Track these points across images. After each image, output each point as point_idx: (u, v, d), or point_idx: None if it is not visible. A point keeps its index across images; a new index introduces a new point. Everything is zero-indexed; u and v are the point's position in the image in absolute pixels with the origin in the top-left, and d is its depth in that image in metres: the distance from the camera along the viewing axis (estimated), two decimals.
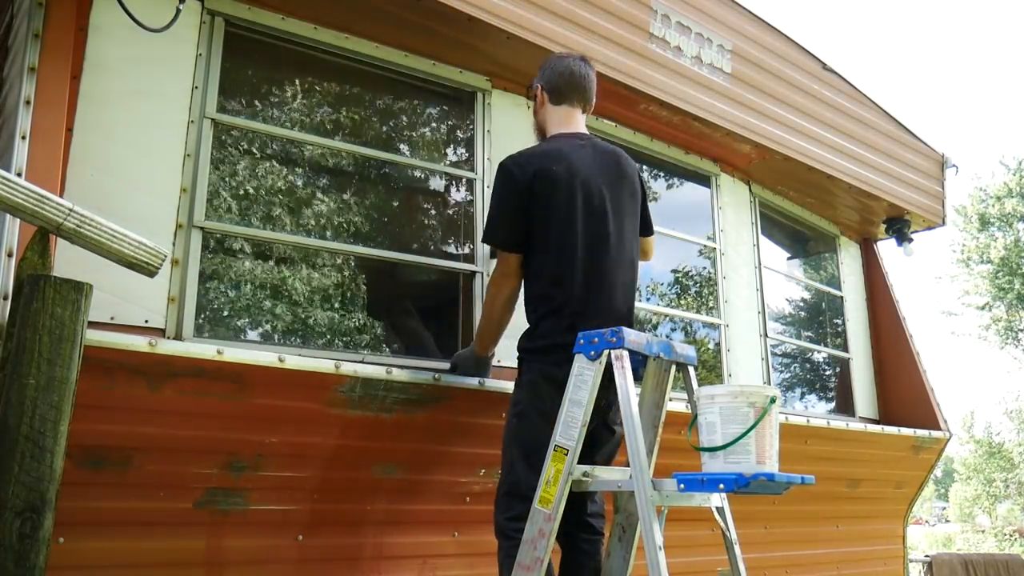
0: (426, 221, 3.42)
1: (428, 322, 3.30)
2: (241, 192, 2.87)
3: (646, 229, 2.81)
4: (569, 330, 2.41)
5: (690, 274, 4.19)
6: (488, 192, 3.28)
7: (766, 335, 4.29)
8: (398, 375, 2.59)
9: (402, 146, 3.31)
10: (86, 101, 2.44)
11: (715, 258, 4.12)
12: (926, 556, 7.97)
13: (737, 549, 2.38)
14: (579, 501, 2.42)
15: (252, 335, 2.82)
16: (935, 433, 4.59)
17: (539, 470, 2.34)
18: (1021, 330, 24.88)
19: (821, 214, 4.90)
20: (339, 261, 3.03)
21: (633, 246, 2.67)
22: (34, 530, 1.66)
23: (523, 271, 2.56)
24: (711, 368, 4.03)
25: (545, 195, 2.50)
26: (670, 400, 2.58)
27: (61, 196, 2.07)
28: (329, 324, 2.96)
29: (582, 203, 2.53)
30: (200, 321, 2.60)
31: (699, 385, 2.40)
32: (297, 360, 2.41)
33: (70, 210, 1.86)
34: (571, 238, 2.50)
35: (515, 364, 2.60)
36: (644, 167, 4.08)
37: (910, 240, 5.08)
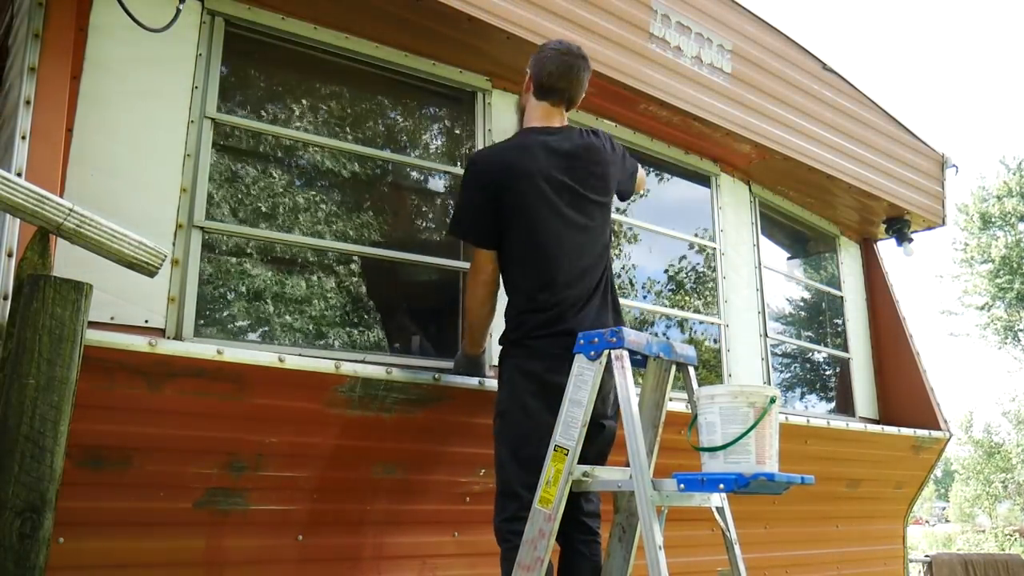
0: (427, 220, 3.42)
1: (428, 321, 3.30)
2: (241, 192, 2.87)
3: (631, 180, 2.92)
4: (545, 324, 2.46)
5: (690, 274, 4.18)
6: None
7: (766, 335, 4.29)
8: (398, 375, 2.59)
9: (402, 146, 3.30)
10: (86, 101, 2.44)
11: (715, 258, 4.12)
12: (926, 556, 7.97)
13: (737, 549, 2.38)
14: (574, 502, 2.42)
15: (252, 335, 2.82)
16: (935, 433, 4.59)
17: (528, 466, 2.35)
18: (1021, 330, 24.88)
19: (821, 214, 4.90)
20: (340, 261, 3.02)
21: (604, 232, 2.69)
22: (34, 530, 1.66)
23: (498, 266, 2.59)
24: (711, 368, 4.03)
25: (513, 190, 2.52)
26: (670, 400, 2.58)
27: (61, 196, 2.06)
28: (329, 324, 2.96)
29: (552, 196, 2.55)
30: (200, 321, 2.60)
31: (699, 385, 2.40)
32: (297, 360, 2.41)
33: (70, 210, 1.86)
34: (541, 233, 2.53)
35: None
36: (644, 167, 4.08)
37: (910, 240, 5.08)
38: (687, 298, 4.18)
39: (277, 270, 2.92)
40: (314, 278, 2.99)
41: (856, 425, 4.29)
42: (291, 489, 2.56)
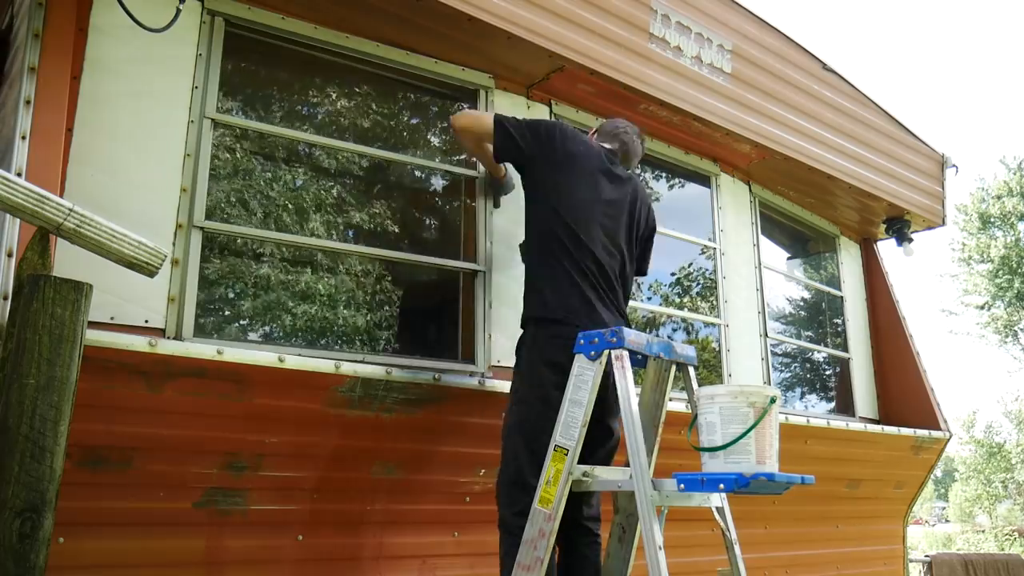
0: (428, 220, 3.42)
1: (428, 321, 3.30)
2: (241, 192, 2.87)
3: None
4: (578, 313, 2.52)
5: (690, 274, 4.18)
6: (490, 192, 3.28)
7: (766, 335, 4.29)
8: (398, 375, 2.59)
9: (404, 145, 3.30)
10: (86, 101, 2.44)
11: (715, 258, 4.12)
12: (926, 556, 7.97)
13: (737, 549, 2.38)
14: (575, 504, 2.42)
15: (253, 335, 2.82)
16: (935, 433, 4.59)
17: (542, 458, 2.35)
18: (1021, 329, 24.89)
19: (821, 214, 4.90)
20: (339, 260, 3.02)
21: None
22: (34, 530, 1.66)
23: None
24: (711, 368, 4.03)
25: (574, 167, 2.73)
26: (670, 400, 2.58)
27: (61, 196, 2.06)
28: (330, 323, 2.96)
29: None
30: (201, 321, 2.60)
31: (699, 385, 2.40)
32: (297, 360, 2.41)
33: (70, 210, 1.86)
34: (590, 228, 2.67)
35: (513, 365, 2.60)
36: (644, 167, 4.08)
37: (910, 240, 5.08)
38: (687, 298, 4.18)
39: (277, 270, 2.92)
40: (314, 277, 2.99)
41: (856, 425, 4.29)
42: (291, 489, 2.56)
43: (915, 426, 4.58)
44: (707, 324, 4.10)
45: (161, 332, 2.43)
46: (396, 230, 3.23)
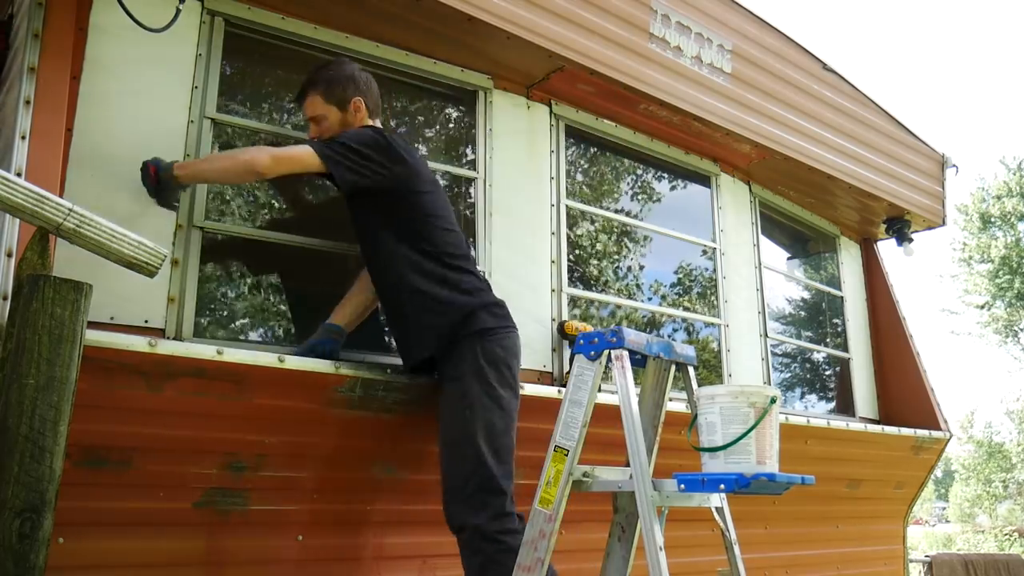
0: None
1: None
2: (242, 192, 2.88)
3: None
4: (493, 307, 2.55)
5: (690, 274, 4.18)
6: (491, 191, 3.28)
7: (766, 335, 4.29)
8: (398, 375, 2.59)
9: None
10: (86, 101, 2.44)
11: (715, 258, 4.12)
12: (926, 556, 7.97)
13: (737, 549, 2.38)
14: None
15: (252, 335, 2.82)
16: (935, 433, 4.59)
17: (505, 457, 2.37)
18: (1021, 329, 24.89)
19: (821, 214, 4.90)
20: (340, 260, 3.02)
21: None
22: (34, 530, 1.66)
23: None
24: (711, 368, 4.03)
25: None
26: (670, 400, 2.58)
27: (61, 196, 2.06)
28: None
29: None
30: (200, 321, 2.60)
31: (699, 385, 2.40)
32: (297, 360, 2.41)
33: (70, 210, 1.86)
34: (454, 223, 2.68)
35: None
36: (644, 167, 4.08)
37: (910, 240, 5.08)
38: (687, 298, 4.18)
39: (278, 269, 2.92)
40: (314, 277, 2.99)
41: (856, 425, 4.29)
42: (291, 489, 2.56)
43: (915, 426, 4.58)
44: (707, 324, 4.10)
45: (161, 332, 2.43)
46: None
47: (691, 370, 2.52)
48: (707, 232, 4.15)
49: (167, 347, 2.19)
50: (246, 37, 2.83)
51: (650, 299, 4.02)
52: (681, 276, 4.17)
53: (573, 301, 3.50)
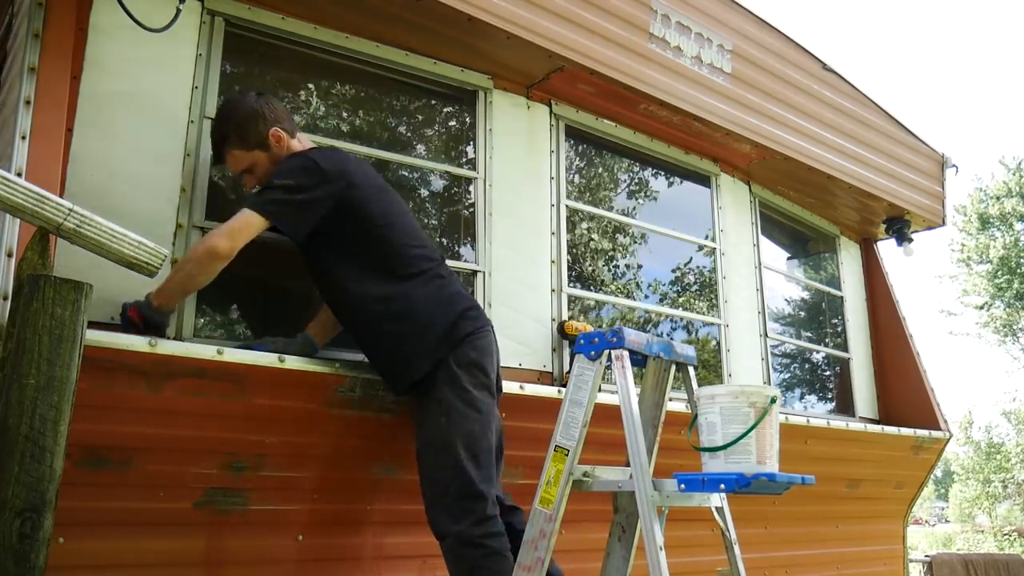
0: (427, 221, 3.42)
1: None
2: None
3: None
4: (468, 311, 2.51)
5: (690, 274, 4.19)
6: (491, 191, 3.28)
7: (766, 335, 4.29)
8: None
9: (403, 145, 3.30)
10: (86, 101, 2.44)
11: (715, 258, 4.12)
12: (926, 556, 7.97)
13: (737, 549, 2.38)
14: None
15: (253, 335, 2.82)
16: (935, 433, 4.59)
17: (483, 462, 2.35)
18: (1020, 329, 24.91)
19: (821, 214, 4.90)
20: None
21: None
22: (34, 530, 1.66)
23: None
24: (711, 368, 4.03)
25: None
26: (670, 400, 2.58)
27: (61, 196, 2.06)
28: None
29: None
30: (200, 322, 2.60)
31: (699, 385, 2.40)
32: (297, 360, 2.41)
33: (70, 210, 1.86)
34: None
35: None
36: (644, 167, 4.08)
37: (910, 240, 5.08)
38: (687, 298, 4.18)
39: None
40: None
41: (856, 425, 4.29)
42: (291, 489, 2.56)
43: (915, 426, 4.58)
44: (707, 324, 4.10)
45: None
46: None
47: (691, 370, 2.52)
48: (707, 232, 4.15)
49: (167, 347, 2.19)
50: (246, 37, 2.83)
51: (648, 298, 4.02)
52: (681, 276, 4.17)
53: (573, 301, 3.50)
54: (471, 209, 3.28)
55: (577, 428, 2.27)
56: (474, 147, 3.33)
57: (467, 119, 3.38)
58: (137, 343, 2.13)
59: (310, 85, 3.11)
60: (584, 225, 3.75)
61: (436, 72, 3.24)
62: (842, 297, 4.97)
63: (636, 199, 4.07)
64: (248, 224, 2.35)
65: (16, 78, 2.39)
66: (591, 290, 3.71)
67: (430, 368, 2.41)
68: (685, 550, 2.89)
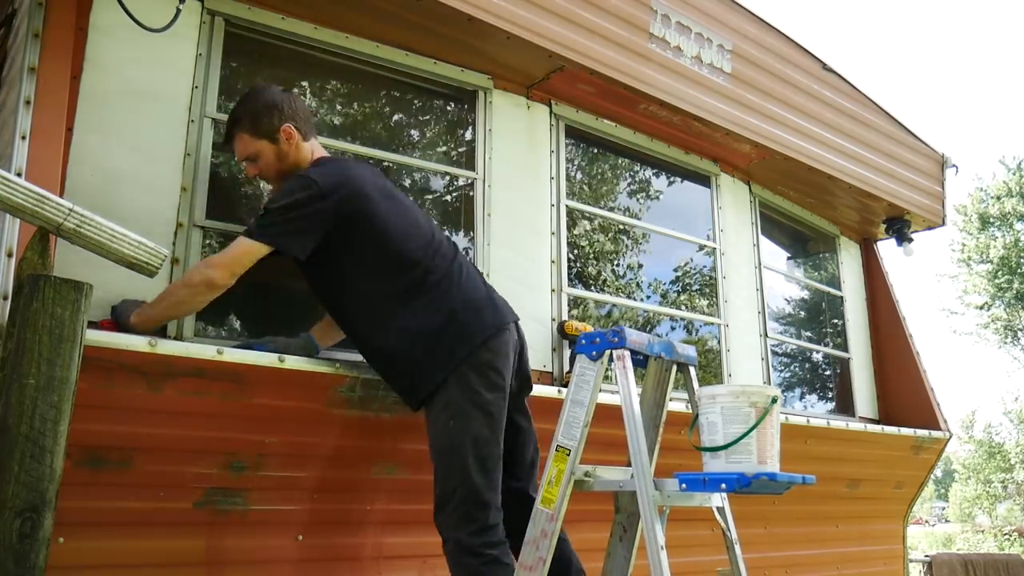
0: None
1: None
2: (242, 192, 2.87)
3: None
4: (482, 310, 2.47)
5: (690, 274, 4.19)
6: (490, 191, 3.28)
7: (766, 335, 4.29)
8: None
9: (403, 145, 3.30)
10: (86, 101, 2.44)
11: (715, 258, 4.12)
12: (926, 556, 7.98)
13: (737, 549, 2.38)
14: (522, 517, 2.34)
15: (253, 335, 2.82)
16: (935, 433, 4.59)
17: (490, 467, 2.33)
18: (1021, 329, 24.92)
19: (821, 214, 4.90)
20: None
21: None
22: (34, 530, 1.66)
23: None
24: (711, 368, 4.03)
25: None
26: (671, 400, 2.58)
27: (61, 196, 2.06)
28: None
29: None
30: (200, 323, 2.60)
31: (699, 385, 2.40)
32: (297, 360, 2.41)
33: (70, 210, 1.86)
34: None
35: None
36: (644, 167, 4.08)
37: (910, 240, 5.08)
38: (687, 298, 4.18)
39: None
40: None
41: (856, 425, 4.29)
42: (291, 489, 2.56)
43: (915, 426, 4.58)
44: (707, 324, 4.10)
45: (161, 332, 2.43)
46: None
47: (692, 370, 2.52)
48: (707, 232, 4.15)
49: (167, 347, 2.19)
50: (246, 37, 2.83)
51: (648, 298, 4.02)
52: (681, 276, 4.17)
53: (573, 301, 3.50)
54: (471, 209, 3.28)
55: (579, 428, 2.27)
56: (474, 147, 3.33)
57: (467, 119, 3.38)
58: (137, 343, 2.13)
59: (310, 85, 3.11)
60: (585, 225, 3.75)
61: (436, 72, 3.24)
62: (842, 297, 4.97)
63: (636, 199, 4.07)
64: (247, 252, 2.33)
65: (16, 78, 2.39)
66: (592, 290, 3.71)
67: (442, 380, 2.38)
68: (686, 550, 2.89)
